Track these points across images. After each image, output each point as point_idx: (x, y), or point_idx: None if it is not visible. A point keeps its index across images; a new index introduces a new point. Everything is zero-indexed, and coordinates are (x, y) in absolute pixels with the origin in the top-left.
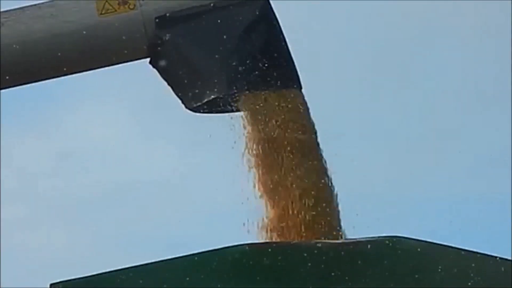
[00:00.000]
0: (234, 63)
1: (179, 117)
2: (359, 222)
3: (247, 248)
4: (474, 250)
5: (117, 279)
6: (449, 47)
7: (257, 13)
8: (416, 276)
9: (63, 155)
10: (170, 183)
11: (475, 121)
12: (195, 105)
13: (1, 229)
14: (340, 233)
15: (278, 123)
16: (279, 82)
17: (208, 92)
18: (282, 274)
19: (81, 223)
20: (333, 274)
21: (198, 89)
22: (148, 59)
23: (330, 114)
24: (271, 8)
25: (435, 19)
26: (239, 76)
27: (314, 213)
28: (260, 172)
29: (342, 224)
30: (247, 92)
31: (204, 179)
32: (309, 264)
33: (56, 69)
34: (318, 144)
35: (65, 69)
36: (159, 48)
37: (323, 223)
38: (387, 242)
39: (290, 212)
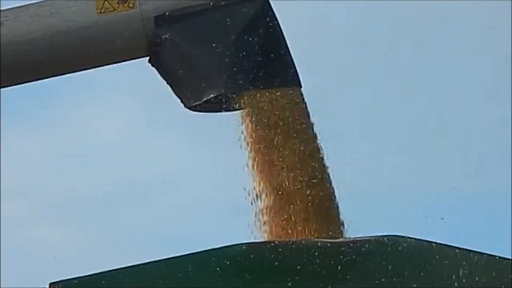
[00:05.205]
0: (233, 62)
1: (182, 115)
2: (359, 221)
3: (245, 247)
4: (474, 249)
5: (116, 278)
6: (453, 45)
7: (256, 11)
8: (416, 275)
9: (65, 152)
10: (170, 180)
11: (476, 121)
12: (194, 104)
13: (1, 227)
14: (340, 232)
15: (277, 121)
16: (278, 80)
17: (207, 90)
18: (281, 273)
19: (82, 221)
20: (332, 273)
21: (197, 88)
22: (147, 58)
23: (330, 113)
24: (270, 6)
25: (439, 17)
26: (238, 74)
27: (313, 211)
28: (260, 169)
29: (342, 223)
30: (246, 90)
31: (204, 177)
32: (309, 263)
33: (56, 67)
34: (317, 141)
35: (64, 67)
36: (158, 47)
37: (322, 221)
38: (387, 241)
39: (290, 209)
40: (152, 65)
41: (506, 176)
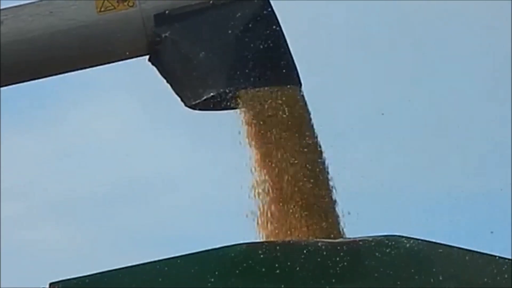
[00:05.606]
0: (233, 60)
1: (182, 114)
2: (359, 221)
3: (245, 247)
4: (474, 249)
5: (116, 278)
6: (453, 45)
7: (256, 10)
8: (416, 275)
9: (65, 152)
10: (170, 180)
11: (475, 120)
12: (194, 103)
13: (1, 227)
14: (340, 232)
15: (276, 120)
16: (278, 79)
17: (207, 89)
18: (281, 273)
19: (82, 221)
20: (332, 273)
21: (197, 86)
22: (147, 57)
23: (330, 113)
24: (270, 5)
25: (439, 17)
26: (238, 73)
27: (313, 211)
28: (260, 168)
29: (342, 223)
30: (246, 89)
31: (204, 176)
32: (309, 263)
33: (55, 66)
34: (317, 141)
35: (64, 66)
36: (158, 46)
37: (322, 221)
38: (387, 241)
39: (290, 209)
40: (152, 64)
41: (506, 176)
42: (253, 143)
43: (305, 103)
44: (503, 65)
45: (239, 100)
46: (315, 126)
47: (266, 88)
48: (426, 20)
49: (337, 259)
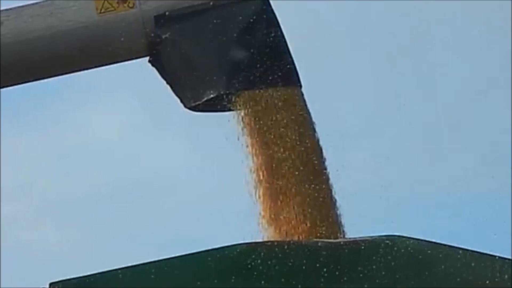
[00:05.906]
0: (233, 62)
1: (182, 115)
2: (359, 221)
3: (245, 247)
4: (474, 249)
5: (116, 278)
6: (454, 45)
7: (256, 11)
8: (416, 275)
9: (65, 152)
10: (170, 181)
11: (476, 120)
12: (194, 104)
13: (1, 227)
14: (340, 232)
15: (276, 121)
16: (277, 80)
17: (207, 90)
18: (282, 273)
19: (81, 221)
20: (332, 273)
21: (197, 88)
22: (147, 58)
23: (330, 113)
24: (270, 6)
25: (439, 17)
26: (238, 74)
27: (313, 211)
28: (260, 169)
29: (342, 223)
30: (246, 90)
31: (205, 177)
32: (309, 263)
33: (56, 67)
34: (317, 142)
35: (64, 67)
36: (158, 47)
37: (322, 221)
38: (387, 241)
39: (290, 209)
40: (152, 65)
41: (506, 176)
42: (253, 144)
43: (305, 103)
44: (503, 65)
45: (239, 101)
46: (315, 126)
47: (266, 89)
48: (426, 20)
49: (337, 259)
